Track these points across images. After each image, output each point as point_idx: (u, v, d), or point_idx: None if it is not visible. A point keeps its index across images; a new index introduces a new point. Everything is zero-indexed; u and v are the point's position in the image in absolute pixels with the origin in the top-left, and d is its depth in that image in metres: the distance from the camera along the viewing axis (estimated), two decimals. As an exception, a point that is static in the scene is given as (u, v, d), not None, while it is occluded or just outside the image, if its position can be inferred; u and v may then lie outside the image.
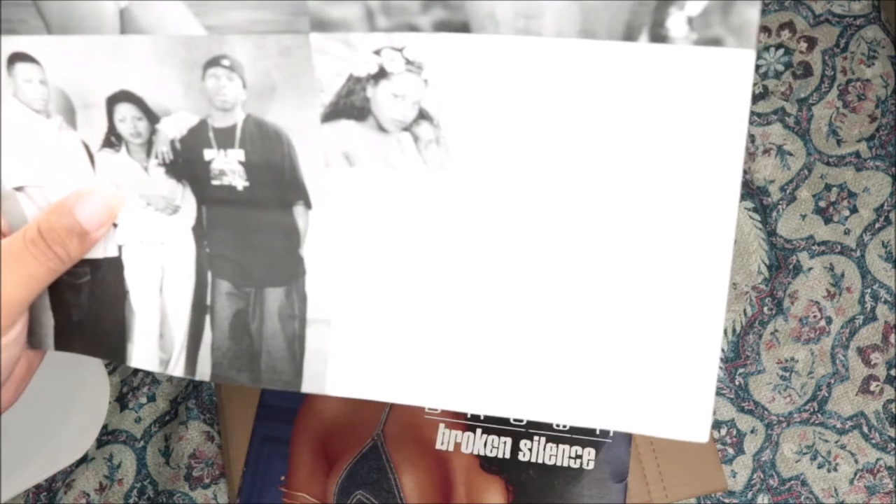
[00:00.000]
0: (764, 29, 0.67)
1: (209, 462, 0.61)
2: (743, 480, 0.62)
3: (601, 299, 0.26)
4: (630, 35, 0.24)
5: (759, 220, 0.65)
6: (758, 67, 0.67)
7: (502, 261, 0.27)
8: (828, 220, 0.65)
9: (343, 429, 0.52)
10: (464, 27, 0.25)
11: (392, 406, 0.52)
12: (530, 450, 0.51)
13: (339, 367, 0.29)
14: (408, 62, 0.26)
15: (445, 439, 0.52)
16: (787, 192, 0.65)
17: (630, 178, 0.25)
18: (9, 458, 0.49)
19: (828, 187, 0.65)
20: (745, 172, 0.66)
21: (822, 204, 0.65)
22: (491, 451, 0.51)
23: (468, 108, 0.26)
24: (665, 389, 0.26)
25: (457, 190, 0.27)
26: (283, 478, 0.52)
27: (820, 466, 0.61)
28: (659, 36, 0.24)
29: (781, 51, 0.67)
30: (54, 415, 0.55)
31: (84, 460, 0.61)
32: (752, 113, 0.66)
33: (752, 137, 0.66)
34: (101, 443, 0.62)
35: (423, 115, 0.26)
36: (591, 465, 0.50)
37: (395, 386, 0.28)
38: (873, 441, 0.61)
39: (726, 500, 0.61)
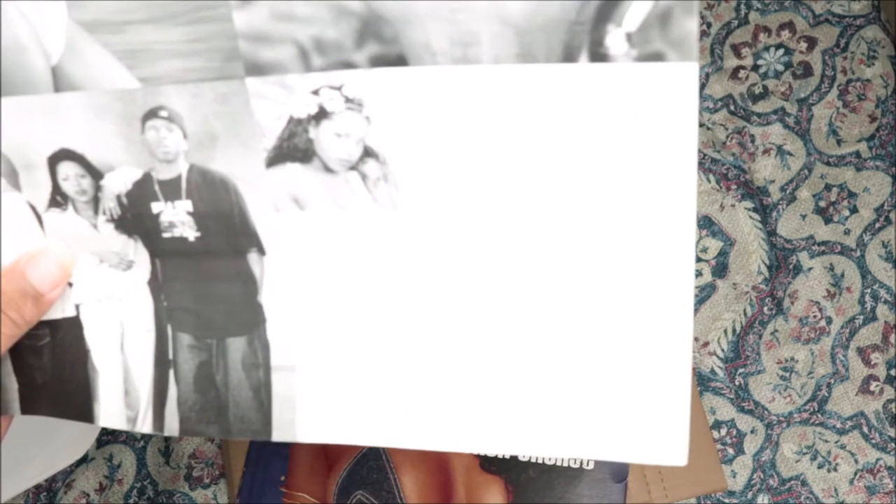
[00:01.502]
0: (764, 29, 0.67)
1: (209, 462, 0.61)
2: (743, 480, 0.62)
3: (566, 328, 0.26)
4: (570, 56, 0.23)
5: (759, 220, 0.65)
6: (758, 67, 0.67)
7: (464, 294, 0.26)
8: (828, 220, 0.65)
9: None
10: (401, 60, 0.24)
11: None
12: (530, 450, 0.51)
13: (308, 413, 0.28)
14: (347, 100, 0.25)
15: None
16: (787, 192, 0.65)
17: (586, 200, 0.24)
18: (9, 458, 0.49)
19: (828, 187, 0.65)
20: (745, 172, 0.66)
21: (822, 204, 0.65)
22: (491, 451, 0.51)
23: (414, 143, 0.25)
24: (639, 417, 0.25)
25: (410, 227, 0.26)
26: (283, 478, 0.52)
27: (820, 466, 0.61)
28: (599, 55, 0.23)
29: (781, 51, 0.67)
30: (54, 415, 0.54)
31: (84, 460, 0.61)
32: (753, 113, 0.67)
33: (752, 137, 0.66)
34: (101, 443, 0.62)
35: (368, 153, 0.26)
36: (591, 465, 0.50)
37: (366, 429, 0.28)
38: (873, 441, 0.61)
39: (726, 500, 0.61)
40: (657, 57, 0.23)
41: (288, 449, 0.53)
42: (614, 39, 0.23)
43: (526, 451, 0.27)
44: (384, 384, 0.28)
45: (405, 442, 0.28)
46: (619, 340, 0.25)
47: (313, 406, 0.29)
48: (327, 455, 0.53)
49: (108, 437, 0.62)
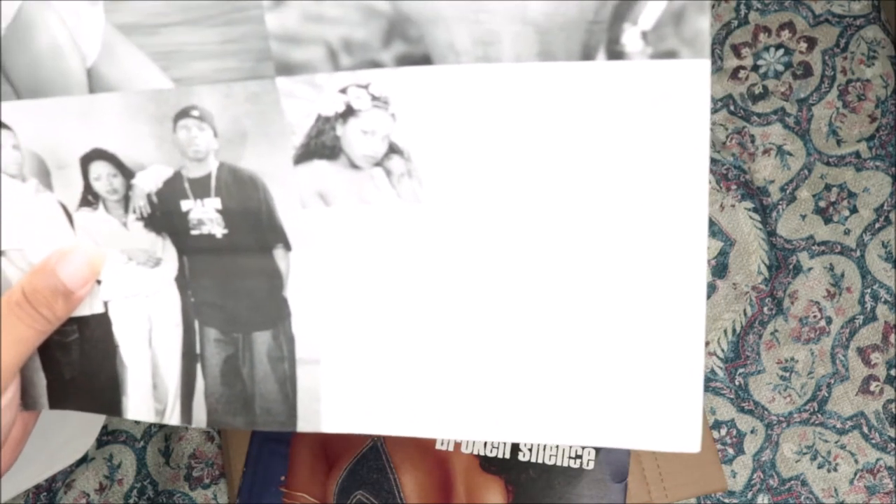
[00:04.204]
0: (764, 29, 0.67)
1: (209, 462, 0.61)
2: (743, 480, 0.62)
3: (583, 318, 0.26)
4: (588, 54, 0.24)
5: (759, 220, 0.65)
6: (758, 67, 0.67)
7: (485, 287, 0.27)
8: (828, 220, 0.65)
9: (343, 429, 0.52)
10: (425, 59, 0.25)
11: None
12: (530, 450, 0.51)
13: (332, 405, 0.29)
14: (374, 98, 0.26)
15: (445, 439, 0.52)
16: (787, 192, 0.65)
17: (601, 194, 0.25)
18: (9, 458, 0.49)
19: (828, 187, 0.65)
20: (745, 172, 0.66)
21: (822, 204, 0.65)
22: (491, 452, 0.51)
23: (437, 139, 0.26)
24: (653, 403, 0.26)
25: (433, 221, 0.27)
26: (283, 478, 0.52)
27: (820, 466, 0.61)
28: (616, 53, 0.24)
29: (781, 51, 0.67)
30: (54, 415, 0.54)
31: (84, 460, 0.61)
32: (752, 113, 0.67)
33: (752, 137, 0.66)
34: (101, 443, 0.62)
35: (393, 150, 0.26)
36: (591, 466, 0.50)
37: (389, 419, 0.28)
38: (873, 441, 0.62)
39: (726, 500, 0.62)
40: (671, 54, 0.24)
41: (288, 449, 0.53)
42: (630, 38, 0.24)
43: (542, 439, 0.27)
44: (407, 375, 0.28)
45: (427, 431, 0.28)
46: (634, 329, 0.26)
47: (337, 397, 0.29)
48: (327, 455, 0.53)
49: (108, 437, 0.62)
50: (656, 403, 0.26)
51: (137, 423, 0.62)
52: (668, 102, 0.24)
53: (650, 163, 0.25)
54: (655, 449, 0.26)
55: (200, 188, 0.29)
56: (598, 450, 0.51)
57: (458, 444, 0.52)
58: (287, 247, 0.29)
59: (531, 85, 0.25)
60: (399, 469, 0.52)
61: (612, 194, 0.25)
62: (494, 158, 0.26)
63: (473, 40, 0.25)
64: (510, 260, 0.27)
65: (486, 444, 0.52)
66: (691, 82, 0.24)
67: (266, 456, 0.53)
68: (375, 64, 0.25)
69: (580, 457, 0.51)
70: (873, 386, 0.62)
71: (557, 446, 0.51)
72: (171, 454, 0.62)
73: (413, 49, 0.25)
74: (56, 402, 0.33)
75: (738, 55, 0.67)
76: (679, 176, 0.25)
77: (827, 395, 0.62)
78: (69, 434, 0.52)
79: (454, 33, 0.25)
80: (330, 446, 0.53)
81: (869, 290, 0.64)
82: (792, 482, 0.61)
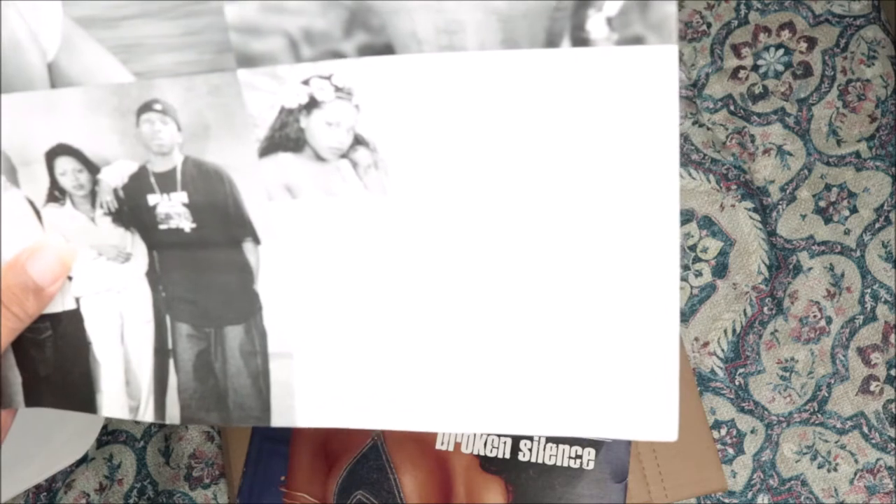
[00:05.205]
0: (764, 29, 0.67)
1: (209, 462, 0.62)
2: (743, 480, 0.62)
3: (556, 309, 0.26)
4: (552, 41, 0.24)
5: (759, 220, 0.65)
6: (758, 67, 0.67)
7: (455, 278, 0.27)
8: (828, 220, 0.65)
9: (343, 429, 0.52)
10: (388, 49, 0.25)
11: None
12: (530, 450, 0.51)
13: (306, 399, 0.29)
14: (337, 89, 0.26)
15: (445, 439, 0.52)
16: (787, 192, 0.65)
17: (571, 182, 0.25)
18: (9, 457, 0.49)
19: (828, 187, 0.65)
20: (745, 172, 0.66)
21: (822, 204, 0.65)
22: (491, 451, 0.51)
23: (402, 129, 0.26)
24: (631, 393, 0.26)
25: (400, 212, 0.27)
26: (283, 478, 0.52)
27: (820, 466, 0.61)
28: (580, 39, 0.23)
29: (781, 51, 0.67)
30: (54, 415, 0.54)
31: (84, 460, 0.61)
32: (752, 113, 0.67)
33: (752, 137, 0.66)
34: (101, 443, 0.62)
35: (358, 141, 0.26)
36: (591, 465, 0.50)
37: (364, 412, 0.28)
38: (873, 441, 0.62)
39: (726, 500, 0.62)
40: (637, 40, 0.23)
41: (288, 449, 0.53)
42: (595, 24, 0.23)
43: (521, 430, 0.27)
44: (380, 368, 0.28)
45: (402, 424, 0.28)
46: (608, 319, 0.26)
47: (311, 391, 0.29)
48: (327, 455, 0.53)
49: (108, 437, 0.62)
50: (634, 393, 0.26)
51: (137, 422, 0.62)
52: (636, 89, 0.24)
53: (619, 150, 0.24)
54: (634, 438, 0.26)
55: (166, 182, 0.28)
56: (598, 450, 0.51)
57: (458, 444, 0.52)
58: (256, 240, 0.29)
59: (495, 73, 0.25)
60: (399, 469, 0.52)
61: (582, 183, 0.25)
62: (461, 148, 0.26)
63: (436, 29, 0.24)
64: (479, 249, 0.26)
65: (486, 444, 0.52)
66: (658, 69, 0.23)
67: (266, 456, 0.53)
68: (337, 54, 0.25)
69: (580, 457, 0.51)
70: (873, 386, 0.62)
71: (558, 446, 0.51)
72: (171, 454, 0.62)
73: (375, 39, 0.25)
74: (31, 399, 0.32)
75: (738, 55, 0.67)
76: (648, 162, 0.24)
77: (827, 395, 0.62)
78: (69, 434, 0.53)
79: (417, 22, 0.24)
80: (330, 446, 0.53)
81: (869, 290, 0.64)
82: (792, 482, 0.61)
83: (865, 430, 0.62)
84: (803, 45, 0.67)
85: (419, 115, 0.25)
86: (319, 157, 0.27)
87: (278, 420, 0.29)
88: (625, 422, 0.26)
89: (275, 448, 0.53)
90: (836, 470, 0.61)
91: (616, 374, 0.26)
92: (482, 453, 0.52)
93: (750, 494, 0.61)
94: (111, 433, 0.62)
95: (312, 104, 0.26)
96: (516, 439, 0.52)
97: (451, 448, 0.52)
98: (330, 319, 0.28)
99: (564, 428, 0.27)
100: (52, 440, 0.52)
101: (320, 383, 0.29)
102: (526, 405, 0.27)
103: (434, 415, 0.28)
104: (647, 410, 0.26)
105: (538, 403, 0.27)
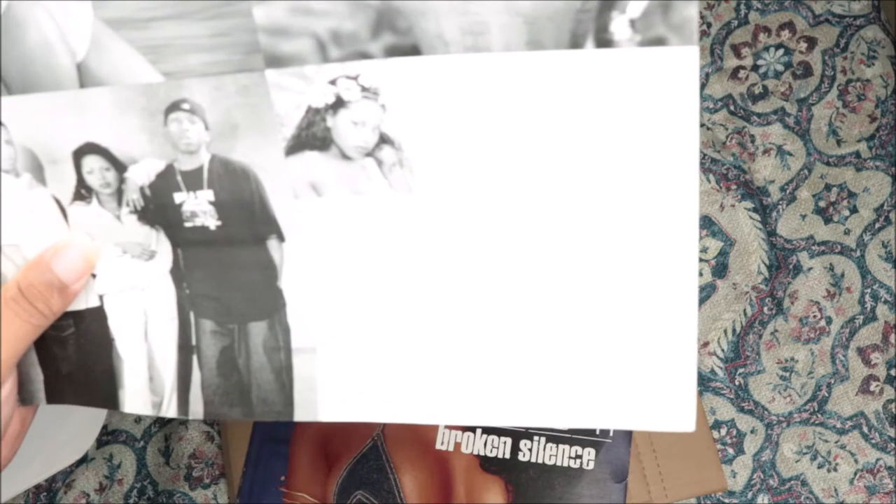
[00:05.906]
0: (764, 29, 0.68)
1: (209, 462, 0.62)
2: (743, 480, 0.62)
3: (576, 302, 0.26)
4: (576, 42, 0.24)
5: (759, 220, 0.65)
6: (758, 67, 0.67)
7: (478, 274, 0.27)
8: (828, 220, 0.65)
9: (343, 429, 0.52)
10: (414, 50, 0.25)
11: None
12: (530, 450, 0.51)
13: (329, 394, 0.29)
14: (363, 89, 0.26)
15: (445, 439, 0.52)
16: (787, 192, 0.65)
17: (592, 182, 0.25)
18: (9, 458, 0.49)
19: (828, 187, 0.65)
20: (745, 172, 0.66)
21: (822, 204, 0.65)
22: (491, 451, 0.51)
23: (427, 129, 0.26)
24: (648, 384, 0.26)
25: (425, 210, 0.27)
26: (283, 478, 0.52)
27: (820, 466, 0.62)
28: (604, 41, 0.24)
29: (781, 51, 0.67)
30: (54, 415, 0.54)
31: (84, 460, 0.61)
32: (752, 113, 0.67)
33: (752, 137, 0.66)
34: (101, 443, 0.62)
35: (384, 140, 0.26)
36: (591, 465, 0.50)
37: (386, 406, 0.29)
38: (873, 441, 0.62)
39: (726, 500, 0.62)
40: (659, 42, 0.24)
41: (288, 449, 0.53)
42: (618, 26, 0.24)
43: (539, 422, 0.28)
44: (403, 362, 0.29)
45: (426, 418, 0.28)
46: (627, 312, 0.26)
47: (334, 386, 0.29)
48: (327, 455, 0.53)
49: (108, 437, 0.62)
50: (651, 384, 0.26)
51: (137, 422, 0.62)
52: (657, 90, 0.24)
53: (640, 149, 0.25)
54: (652, 429, 0.26)
55: (193, 180, 0.29)
56: (598, 450, 0.51)
57: (458, 444, 0.52)
58: (280, 237, 0.29)
59: (520, 74, 0.25)
60: (399, 469, 0.52)
61: (603, 182, 0.25)
62: (485, 147, 0.26)
63: (462, 30, 0.25)
64: (502, 247, 0.27)
65: (486, 443, 0.52)
66: (680, 69, 0.24)
67: (266, 456, 0.53)
68: (364, 55, 0.26)
69: (580, 457, 0.51)
70: (873, 386, 0.62)
71: (558, 446, 0.51)
72: (171, 454, 0.62)
73: (402, 40, 0.25)
74: (53, 396, 0.33)
75: (738, 55, 0.67)
76: (669, 162, 0.25)
77: (827, 395, 0.62)
78: (69, 434, 0.52)
79: (443, 24, 0.25)
80: (330, 446, 0.53)
81: (869, 290, 0.64)
82: (792, 482, 0.61)
83: (865, 430, 0.62)
84: (803, 45, 0.67)
85: (444, 115, 0.26)
86: (345, 156, 0.27)
87: (301, 414, 0.30)
88: (642, 413, 0.26)
89: (275, 448, 0.53)
90: (836, 470, 0.61)
91: (633, 365, 0.26)
92: (482, 453, 0.52)
93: (750, 494, 0.61)
94: (111, 433, 0.62)
95: (339, 104, 0.26)
96: (516, 439, 0.52)
97: (451, 448, 0.52)
98: (353, 315, 0.29)
99: (583, 420, 0.27)
100: (52, 440, 0.52)
101: (343, 378, 0.29)
102: (548, 398, 0.27)
103: (457, 408, 0.28)
104: (664, 401, 0.26)
105: (559, 396, 0.27)
